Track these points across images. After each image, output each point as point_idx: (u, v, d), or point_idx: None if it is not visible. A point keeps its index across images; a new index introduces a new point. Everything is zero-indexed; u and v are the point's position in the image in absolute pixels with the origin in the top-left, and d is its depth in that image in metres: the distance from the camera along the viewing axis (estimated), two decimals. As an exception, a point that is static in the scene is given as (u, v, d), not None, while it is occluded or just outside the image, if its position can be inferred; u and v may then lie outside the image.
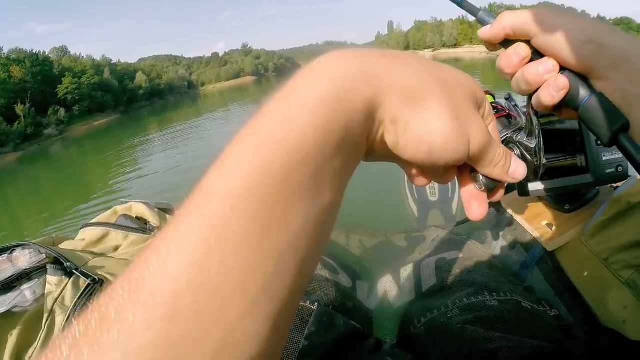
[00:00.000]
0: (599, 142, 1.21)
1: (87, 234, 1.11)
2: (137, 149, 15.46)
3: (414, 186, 2.99)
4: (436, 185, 2.95)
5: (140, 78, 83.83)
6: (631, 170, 1.21)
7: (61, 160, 22.23)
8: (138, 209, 1.17)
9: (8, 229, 8.03)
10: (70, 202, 8.51)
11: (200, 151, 11.12)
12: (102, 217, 1.17)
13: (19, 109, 47.03)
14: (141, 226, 1.11)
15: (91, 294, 0.83)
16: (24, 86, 51.82)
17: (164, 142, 15.40)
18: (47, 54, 65.53)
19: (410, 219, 2.74)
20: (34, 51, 60.31)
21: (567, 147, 1.28)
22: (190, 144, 13.15)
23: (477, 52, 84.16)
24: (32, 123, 46.45)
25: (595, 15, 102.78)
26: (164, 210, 1.22)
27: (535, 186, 1.37)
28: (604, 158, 1.20)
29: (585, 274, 1.12)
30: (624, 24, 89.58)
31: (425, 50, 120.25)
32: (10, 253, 0.88)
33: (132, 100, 75.73)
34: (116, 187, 8.82)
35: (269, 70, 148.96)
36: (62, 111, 53.64)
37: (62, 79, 58.90)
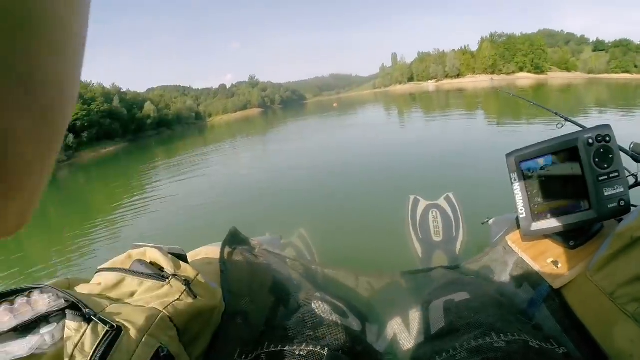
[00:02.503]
0: (600, 178, 1.25)
1: (103, 278, 1.12)
2: (144, 179, 15.49)
3: (417, 226, 3.01)
4: (440, 224, 2.98)
5: (148, 107, 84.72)
6: (634, 200, 1.25)
7: (68, 188, 22.26)
8: (152, 254, 1.19)
9: (13, 253, 8.03)
10: (76, 231, 8.51)
11: (207, 185, 11.15)
12: (116, 261, 1.19)
13: (28, 133, 47.34)
14: (156, 272, 1.13)
15: (110, 341, 0.84)
16: (34, 111, 52.25)
17: (170, 172, 15.43)
18: (58, 79, 66.26)
19: (415, 259, 2.76)
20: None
21: (568, 186, 1.33)
22: (197, 176, 13.19)
23: (479, 81, 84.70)
24: (40, 148, 46.69)
25: (594, 39, 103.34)
26: (177, 256, 1.24)
27: (539, 225, 1.41)
28: (606, 194, 1.25)
29: (592, 309, 1.14)
30: (623, 45, 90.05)
31: (429, 81, 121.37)
32: (28, 295, 0.91)
33: (140, 129, 76.58)
34: (122, 218, 8.82)
35: (275, 103, 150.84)
36: (70, 137, 53.96)
37: (72, 105, 59.31)
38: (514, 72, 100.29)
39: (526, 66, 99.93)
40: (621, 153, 1.33)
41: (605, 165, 1.26)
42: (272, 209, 6.94)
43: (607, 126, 1.28)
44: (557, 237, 1.43)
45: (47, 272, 6.11)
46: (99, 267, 1.20)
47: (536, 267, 1.42)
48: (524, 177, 1.43)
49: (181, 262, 1.21)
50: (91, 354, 0.82)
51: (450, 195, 3.38)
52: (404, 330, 1.54)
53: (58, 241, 8.09)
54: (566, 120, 2.18)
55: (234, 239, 1.85)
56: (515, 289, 1.49)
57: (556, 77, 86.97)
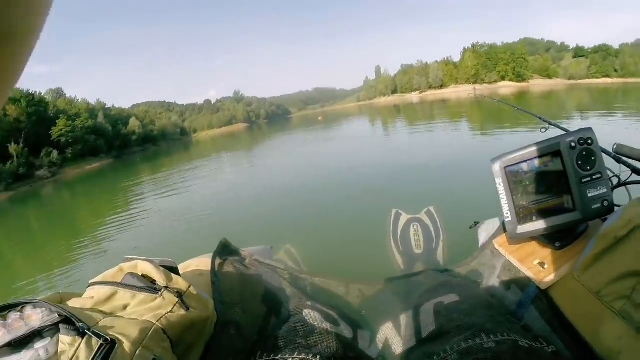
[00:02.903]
0: (583, 180, 1.28)
1: (95, 292, 1.12)
2: (128, 196, 15.36)
3: (398, 239, 3.03)
4: (421, 237, 3.00)
5: (133, 123, 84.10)
6: (617, 200, 1.28)
7: (53, 204, 22.02)
8: (144, 267, 1.19)
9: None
10: (60, 247, 8.42)
11: (193, 200, 11.10)
12: (108, 274, 1.19)
13: (12, 148, 46.72)
14: (148, 285, 1.13)
15: (105, 354, 0.84)
16: (19, 126, 51.65)
17: (155, 189, 15.32)
18: (43, 95, 65.56)
19: (399, 270, 2.78)
20: (30, 91, 60.37)
21: (553, 188, 1.35)
22: (183, 192, 13.13)
23: (462, 91, 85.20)
24: (25, 163, 46.07)
25: (574, 46, 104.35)
26: (169, 269, 1.24)
27: (524, 228, 1.43)
28: (590, 195, 1.28)
29: (579, 308, 1.16)
30: (602, 50, 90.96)
31: (413, 92, 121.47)
32: (21, 310, 0.90)
33: (125, 146, 75.81)
34: (106, 235, 8.73)
35: (260, 117, 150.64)
36: (55, 153, 53.36)
37: (57, 121, 58.80)
38: (496, 81, 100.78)
39: (508, 75, 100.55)
40: (604, 155, 1.36)
41: (588, 168, 1.28)
42: (259, 223, 6.93)
43: (589, 129, 1.31)
44: (543, 239, 1.45)
45: (32, 287, 6.04)
46: (90, 281, 1.19)
47: (523, 269, 1.44)
48: (509, 181, 1.46)
49: (173, 275, 1.21)
50: None
51: (432, 208, 3.42)
52: (395, 335, 1.55)
53: (43, 257, 8.00)
54: (549, 124, 2.21)
55: (225, 250, 1.85)
56: (504, 291, 1.51)
57: (538, 85, 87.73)
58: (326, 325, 1.43)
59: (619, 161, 1.59)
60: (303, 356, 1.20)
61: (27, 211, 19.65)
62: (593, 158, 1.29)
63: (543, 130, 2.13)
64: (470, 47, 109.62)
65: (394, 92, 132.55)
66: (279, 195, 9.24)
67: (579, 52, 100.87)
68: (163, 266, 1.24)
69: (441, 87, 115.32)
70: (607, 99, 29.25)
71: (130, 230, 8.70)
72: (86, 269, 6.34)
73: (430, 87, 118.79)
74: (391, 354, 1.49)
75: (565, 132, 1.48)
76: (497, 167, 1.48)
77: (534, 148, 1.39)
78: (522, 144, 1.45)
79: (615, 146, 1.62)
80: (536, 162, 1.39)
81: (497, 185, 1.49)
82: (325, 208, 7.21)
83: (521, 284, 1.44)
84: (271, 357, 1.21)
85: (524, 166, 1.42)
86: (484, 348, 1.11)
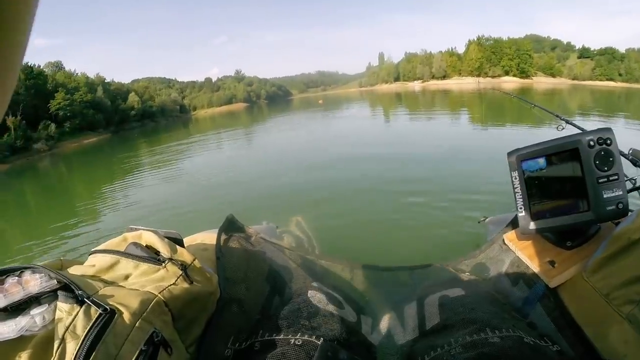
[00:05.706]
0: (599, 181, 1.25)
1: (97, 260, 1.09)
2: (126, 169, 15.35)
3: None
4: None
5: (132, 99, 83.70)
6: (631, 206, 1.25)
7: (49, 177, 21.98)
8: (148, 237, 1.17)
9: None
10: (55, 219, 8.40)
11: (184, 172, 11.10)
12: (111, 243, 1.17)
13: (10, 120, 46.26)
14: (152, 256, 1.10)
15: (103, 324, 0.82)
16: (17, 98, 51.24)
17: (152, 164, 15.33)
18: (41, 67, 65.12)
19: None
20: (29, 64, 59.89)
21: (568, 186, 1.32)
22: (177, 165, 13.14)
23: (465, 83, 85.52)
24: (22, 136, 45.78)
25: (580, 46, 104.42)
26: (174, 240, 1.22)
27: (537, 224, 1.41)
28: (605, 196, 1.25)
29: (587, 309, 1.14)
30: (608, 54, 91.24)
31: (415, 81, 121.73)
32: (19, 275, 0.87)
33: (123, 121, 75.46)
34: (102, 208, 8.74)
35: (260, 98, 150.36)
36: (52, 126, 53.11)
37: (55, 94, 58.35)
38: (499, 76, 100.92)
39: (512, 70, 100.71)
40: (621, 157, 1.33)
41: (606, 168, 1.26)
42: (267, 198, 6.94)
43: (609, 129, 1.28)
44: (555, 237, 1.44)
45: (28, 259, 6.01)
46: (92, 249, 1.17)
47: (532, 266, 1.43)
48: (525, 175, 1.44)
49: (177, 247, 1.18)
50: (83, 337, 0.79)
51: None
52: (398, 325, 1.54)
53: (38, 231, 7.98)
54: (567, 122, 2.20)
55: (231, 226, 1.84)
56: (511, 287, 1.50)
57: (541, 82, 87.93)
58: (330, 308, 1.41)
59: (635, 165, 1.58)
60: (306, 337, 1.18)
61: (24, 186, 19.53)
62: (611, 159, 1.26)
63: (560, 128, 2.13)
64: (476, 39, 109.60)
65: (397, 79, 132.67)
66: (283, 173, 9.23)
67: (584, 53, 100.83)
68: (168, 237, 1.21)
69: (444, 77, 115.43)
70: (610, 101, 29.50)
71: (130, 204, 8.72)
72: (83, 241, 6.33)
73: (433, 77, 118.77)
74: (393, 343, 1.47)
75: (582, 131, 1.46)
76: (513, 160, 1.46)
77: (552, 144, 1.37)
78: (528, 140, 1.45)
79: (631, 150, 1.61)
80: (553, 158, 1.37)
81: (512, 179, 1.47)
82: (327, 188, 7.28)
83: (529, 281, 1.43)
84: (273, 337, 1.19)
85: (540, 161, 1.40)
86: (488, 342, 1.10)
